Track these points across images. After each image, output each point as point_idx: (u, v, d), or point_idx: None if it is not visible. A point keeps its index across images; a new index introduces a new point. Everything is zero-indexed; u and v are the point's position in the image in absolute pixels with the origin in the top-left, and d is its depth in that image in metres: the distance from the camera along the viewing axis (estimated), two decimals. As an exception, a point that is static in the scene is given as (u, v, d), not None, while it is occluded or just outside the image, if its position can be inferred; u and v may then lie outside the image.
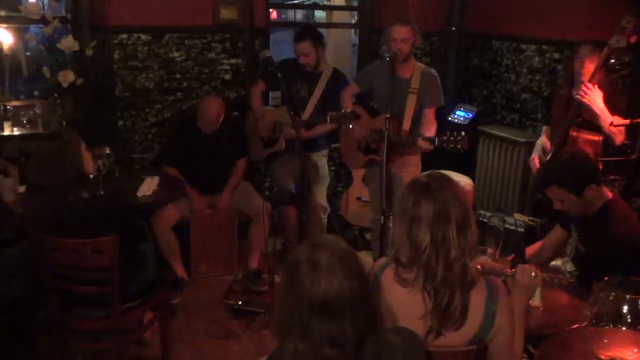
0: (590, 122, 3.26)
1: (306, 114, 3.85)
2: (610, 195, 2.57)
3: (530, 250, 2.85)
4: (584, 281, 2.53)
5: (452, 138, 3.08)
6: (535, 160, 3.54)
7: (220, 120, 3.83)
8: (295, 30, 4.03)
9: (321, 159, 4.10)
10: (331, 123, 3.53)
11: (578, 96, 3.19)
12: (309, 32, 3.89)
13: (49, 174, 2.56)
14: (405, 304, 1.78)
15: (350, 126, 3.53)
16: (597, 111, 3.16)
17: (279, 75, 3.61)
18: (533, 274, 1.97)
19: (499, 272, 2.21)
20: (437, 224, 1.72)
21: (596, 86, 3.19)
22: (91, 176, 2.77)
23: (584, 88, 3.16)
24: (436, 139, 3.17)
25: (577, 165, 2.56)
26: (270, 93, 4.16)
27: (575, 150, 3.18)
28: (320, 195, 4.15)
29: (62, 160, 2.57)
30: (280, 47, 5.87)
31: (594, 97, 3.15)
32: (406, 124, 3.45)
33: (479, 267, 1.85)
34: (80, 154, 2.66)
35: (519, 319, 1.87)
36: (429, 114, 3.49)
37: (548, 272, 2.39)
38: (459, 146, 3.07)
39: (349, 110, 3.45)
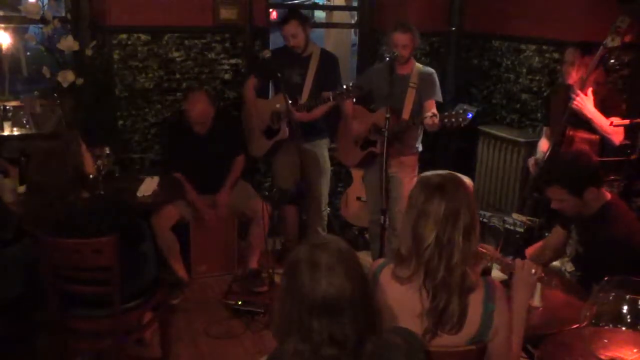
0: (587, 121, 3.27)
1: (304, 97, 3.84)
2: (609, 196, 2.57)
3: (531, 250, 2.86)
4: (584, 282, 2.53)
5: (454, 113, 3.17)
6: (531, 163, 3.55)
7: (211, 116, 3.82)
8: (280, 15, 4.05)
9: (321, 149, 4.07)
10: (334, 100, 3.56)
11: (569, 103, 3.21)
12: (294, 12, 3.89)
13: (49, 174, 2.56)
14: (402, 301, 1.78)
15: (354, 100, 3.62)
16: (589, 115, 3.18)
17: (272, 64, 3.63)
18: (533, 270, 1.96)
19: (499, 260, 2.22)
20: (444, 224, 1.71)
21: (589, 90, 3.19)
22: (91, 176, 2.77)
23: (573, 95, 3.19)
24: (438, 116, 3.24)
25: (579, 166, 2.56)
26: (271, 84, 4.18)
27: (578, 151, 3.18)
28: (324, 186, 4.14)
29: (62, 160, 2.57)
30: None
31: (585, 103, 3.17)
32: (405, 115, 3.52)
33: (480, 249, 1.84)
34: (80, 154, 2.66)
35: (518, 317, 1.87)
36: (430, 105, 3.55)
37: (547, 273, 2.38)
38: (461, 119, 3.13)
39: (350, 84, 3.49)
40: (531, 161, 3.59)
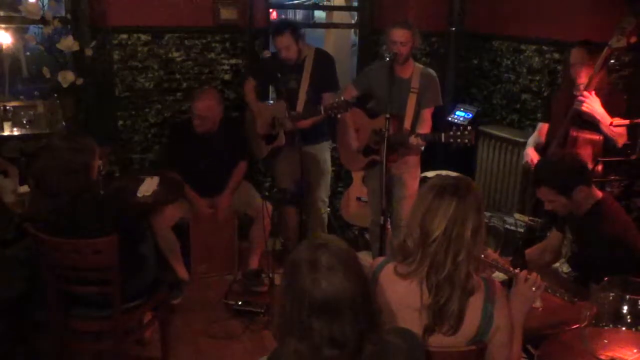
0: (591, 121, 3.26)
1: (299, 104, 3.82)
2: (600, 194, 2.58)
3: (530, 252, 2.85)
4: (580, 281, 2.53)
5: (458, 133, 3.09)
6: (532, 156, 3.53)
7: (216, 117, 3.81)
8: (274, 25, 4.01)
9: (323, 152, 4.06)
10: (325, 114, 3.52)
11: (577, 106, 3.18)
12: (287, 24, 3.86)
13: (66, 178, 2.56)
14: (403, 295, 1.78)
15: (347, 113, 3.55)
16: (598, 117, 3.16)
17: (270, 68, 3.63)
18: (534, 288, 1.95)
19: (502, 267, 2.21)
20: (453, 221, 1.72)
21: (593, 92, 3.18)
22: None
23: (582, 97, 3.16)
24: (442, 135, 3.18)
25: (566, 166, 2.56)
26: (271, 87, 4.17)
27: (564, 151, 3.18)
28: (323, 190, 4.13)
29: (80, 165, 2.59)
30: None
31: (593, 104, 3.15)
32: (407, 124, 3.46)
33: (482, 256, 1.84)
34: (95, 160, 2.67)
35: (517, 328, 1.86)
36: (426, 114, 3.52)
37: (549, 278, 2.36)
38: (466, 140, 3.07)
39: (342, 99, 3.44)
40: (532, 157, 3.56)
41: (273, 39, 3.82)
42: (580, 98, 3.17)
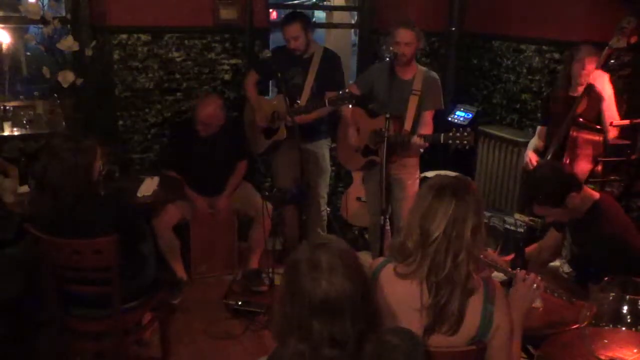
0: (590, 122, 3.26)
1: (303, 99, 3.82)
2: (597, 195, 2.57)
3: (529, 250, 2.86)
4: (580, 281, 2.54)
5: (458, 134, 3.08)
6: (531, 158, 3.54)
7: (219, 122, 3.81)
8: (284, 15, 4.02)
9: (322, 149, 4.06)
10: (330, 106, 3.53)
11: (589, 80, 3.18)
12: (297, 14, 3.87)
13: (69, 179, 2.56)
14: (402, 296, 1.78)
15: (349, 106, 3.55)
16: (604, 95, 3.16)
17: (272, 63, 3.64)
18: (535, 285, 1.94)
19: (502, 268, 2.21)
20: (453, 222, 1.71)
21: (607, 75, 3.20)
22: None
23: (595, 74, 3.17)
24: (442, 136, 3.17)
25: (550, 180, 2.54)
26: (271, 83, 4.17)
27: (546, 163, 3.19)
28: (322, 187, 4.13)
29: (82, 175, 2.59)
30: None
31: (604, 84, 3.16)
32: (407, 125, 3.46)
33: (481, 256, 1.84)
34: (97, 160, 2.67)
35: (516, 328, 1.86)
36: (427, 116, 3.51)
37: (547, 278, 2.37)
38: (465, 142, 3.07)
39: (346, 91, 3.43)
40: (531, 158, 3.57)
41: (281, 29, 3.81)
42: (594, 74, 3.18)
